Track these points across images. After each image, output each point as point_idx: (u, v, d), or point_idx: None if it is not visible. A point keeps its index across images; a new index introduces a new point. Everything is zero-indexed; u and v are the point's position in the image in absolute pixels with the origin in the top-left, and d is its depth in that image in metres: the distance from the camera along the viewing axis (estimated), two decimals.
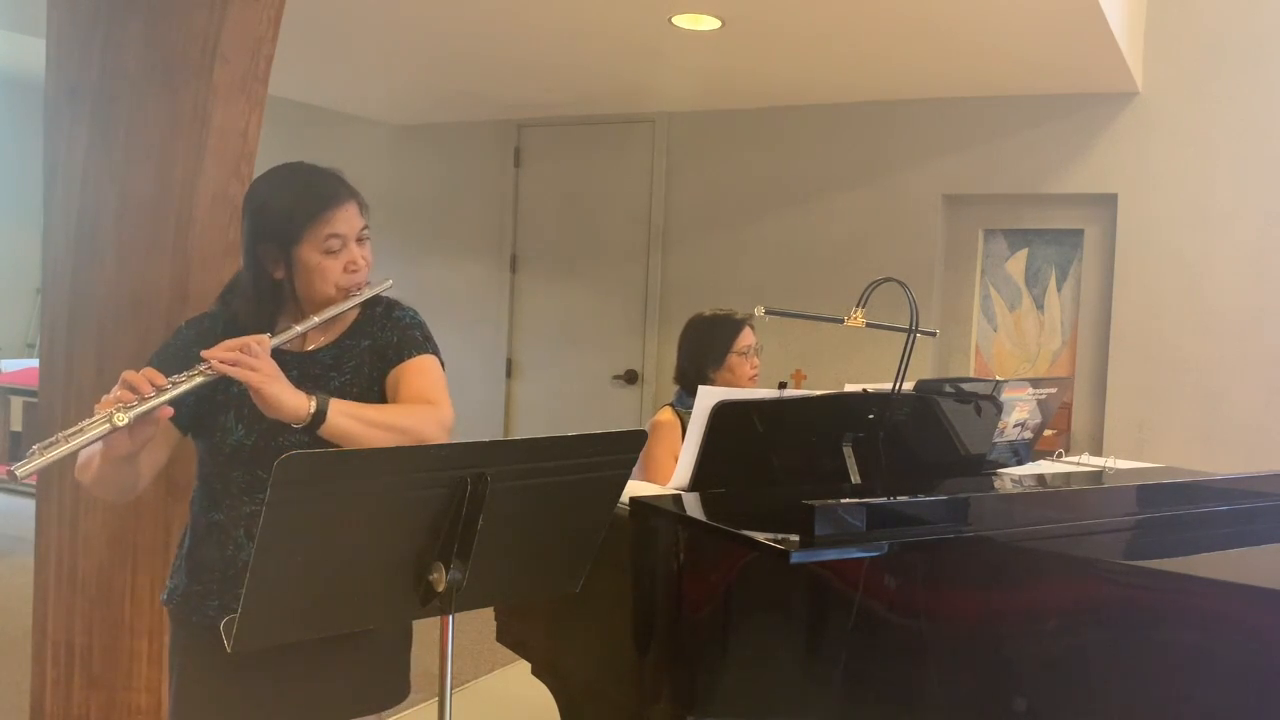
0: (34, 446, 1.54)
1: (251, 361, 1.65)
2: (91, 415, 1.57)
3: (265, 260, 1.82)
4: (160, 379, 1.62)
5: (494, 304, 6.15)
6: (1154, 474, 3.01)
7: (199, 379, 1.64)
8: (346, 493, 1.44)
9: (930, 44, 4.10)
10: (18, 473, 1.50)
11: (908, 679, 1.99)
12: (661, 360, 5.61)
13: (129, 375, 1.60)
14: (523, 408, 6.13)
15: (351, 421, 1.70)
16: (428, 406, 1.80)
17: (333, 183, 1.83)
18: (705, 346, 3.07)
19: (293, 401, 1.66)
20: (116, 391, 1.60)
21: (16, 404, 7.02)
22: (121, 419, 1.55)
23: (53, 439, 1.54)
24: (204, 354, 1.66)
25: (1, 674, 3.82)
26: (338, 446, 1.71)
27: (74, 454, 1.57)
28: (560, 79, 5.03)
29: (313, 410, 1.67)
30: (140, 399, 1.58)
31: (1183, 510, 2.28)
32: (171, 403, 1.79)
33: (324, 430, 1.69)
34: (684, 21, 3.93)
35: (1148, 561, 1.92)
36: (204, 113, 2.52)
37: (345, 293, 1.82)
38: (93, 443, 1.56)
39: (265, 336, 1.71)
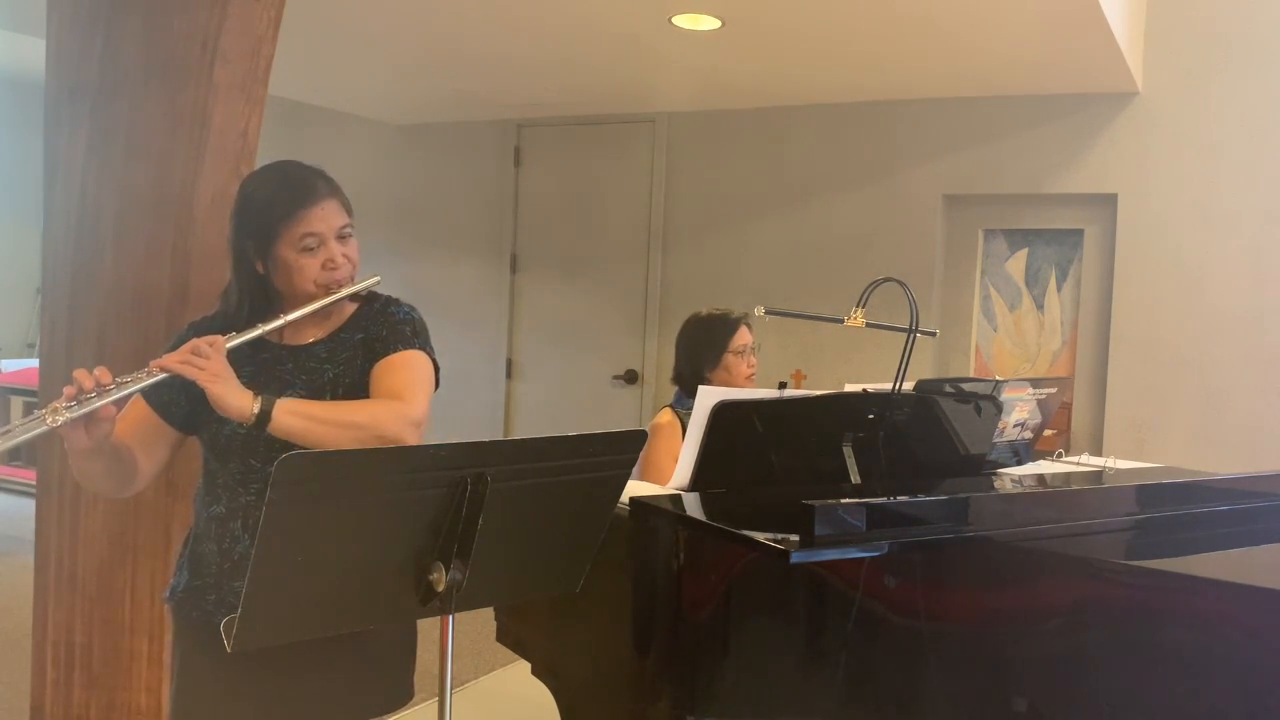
0: None
1: (198, 361, 1.66)
2: (121, 416, 1.63)
3: (248, 256, 1.83)
4: (107, 378, 1.62)
5: (494, 304, 6.14)
6: (1154, 474, 3.00)
7: (147, 380, 1.66)
8: (346, 492, 1.44)
9: (930, 44, 4.10)
10: None
11: (908, 679, 1.99)
12: (661, 360, 5.60)
13: (78, 374, 1.61)
14: (523, 408, 6.13)
15: (299, 420, 1.69)
16: (391, 402, 1.77)
17: (311, 180, 1.82)
18: (701, 346, 3.06)
19: (237, 401, 1.67)
20: (70, 390, 1.61)
21: (16, 404, 7.01)
22: (54, 419, 1.56)
23: None
24: (154, 363, 1.68)
25: (1, 674, 3.83)
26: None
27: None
28: (560, 79, 5.03)
29: (257, 410, 1.67)
30: (82, 399, 1.59)
31: (1183, 510, 2.27)
32: (164, 405, 1.81)
33: (271, 429, 1.68)
34: (684, 21, 3.93)
35: (1148, 561, 1.92)
36: (204, 113, 2.52)
37: (325, 290, 1.82)
38: (27, 439, 1.56)
39: (219, 337, 1.72)
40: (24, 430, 1.55)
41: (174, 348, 1.86)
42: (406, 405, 1.76)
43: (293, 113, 6.00)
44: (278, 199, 1.80)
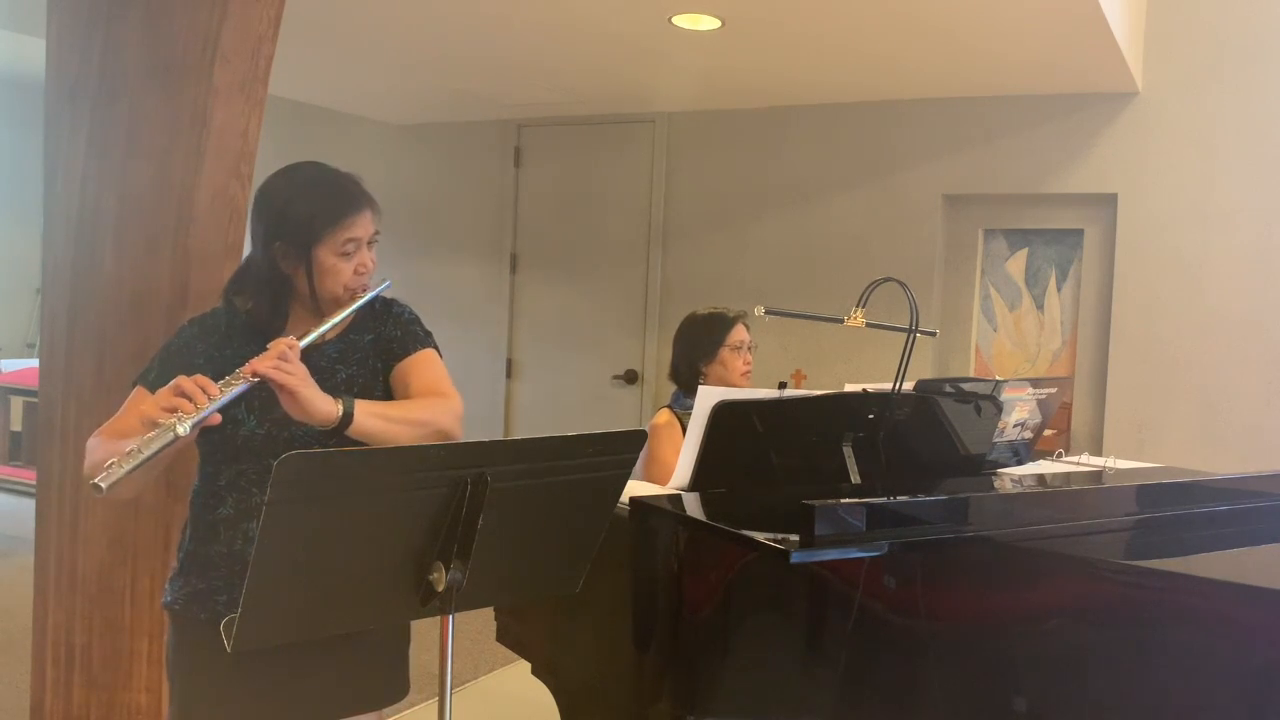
0: (110, 461, 1.57)
1: (288, 366, 1.69)
2: (125, 415, 1.69)
3: (279, 257, 1.85)
4: (213, 388, 1.65)
5: (494, 304, 6.15)
6: (1154, 474, 3.01)
7: (242, 384, 1.68)
8: (346, 492, 1.44)
9: (930, 44, 4.10)
10: (102, 485, 1.53)
11: (908, 679, 1.99)
12: (661, 360, 5.60)
13: (185, 384, 1.63)
14: (523, 408, 6.13)
15: (377, 420, 1.75)
16: (442, 398, 1.86)
17: (354, 189, 1.89)
18: (698, 340, 3.07)
19: (324, 405, 1.70)
20: (170, 399, 1.62)
21: (17, 404, 7.02)
22: (184, 429, 1.59)
23: (129, 449, 1.57)
24: (246, 368, 1.68)
25: (1, 674, 3.83)
26: (339, 441, 1.73)
27: (80, 458, 1.64)
28: (560, 79, 5.03)
29: (341, 413, 1.71)
30: (195, 408, 1.62)
31: (1182, 510, 2.27)
32: None
33: (351, 431, 1.72)
34: (684, 21, 3.93)
35: (1147, 561, 1.92)
36: (204, 113, 2.52)
37: (351, 293, 1.87)
38: (159, 451, 1.59)
39: (296, 341, 1.75)
40: (155, 441, 1.57)
41: (176, 345, 1.88)
42: (453, 400, 1.87)
43: (293, 113, 6.00)
44: (327, 205, 1.84)
